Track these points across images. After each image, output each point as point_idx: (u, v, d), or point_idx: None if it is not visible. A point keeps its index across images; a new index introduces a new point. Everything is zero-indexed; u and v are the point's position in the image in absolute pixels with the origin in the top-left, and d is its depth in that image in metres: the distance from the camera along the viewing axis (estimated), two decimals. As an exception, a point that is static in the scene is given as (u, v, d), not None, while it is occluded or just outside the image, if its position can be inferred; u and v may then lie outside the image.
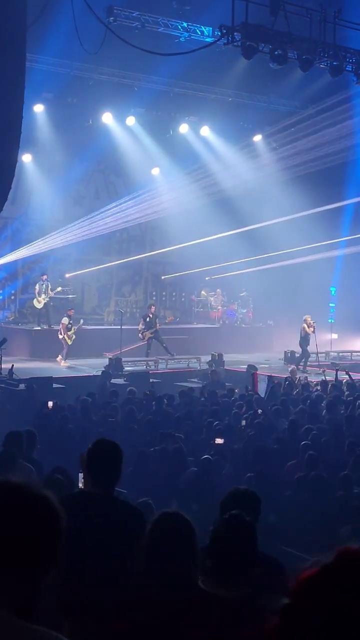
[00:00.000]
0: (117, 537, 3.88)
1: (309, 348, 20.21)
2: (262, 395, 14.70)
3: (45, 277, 21.51)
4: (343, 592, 0.82)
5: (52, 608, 3.97)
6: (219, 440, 9.48)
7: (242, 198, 23.66)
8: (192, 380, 16.89)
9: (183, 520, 3.31)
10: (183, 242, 23.58)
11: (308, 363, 20.33)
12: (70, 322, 19.63)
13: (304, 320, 20.39)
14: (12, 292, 23.33)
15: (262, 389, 15.43)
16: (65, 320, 19.70)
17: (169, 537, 3.23)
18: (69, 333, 19.49)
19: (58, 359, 19.37)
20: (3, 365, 15.92)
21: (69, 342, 19.50)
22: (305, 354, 20.33)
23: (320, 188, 22.70)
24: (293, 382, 16.09)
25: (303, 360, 20.31)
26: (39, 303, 21.19)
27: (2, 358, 16.15)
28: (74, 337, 19.49)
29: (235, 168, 23.07)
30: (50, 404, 11.93)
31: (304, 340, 20.24)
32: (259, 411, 11.86)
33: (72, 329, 19.46)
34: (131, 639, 3.21)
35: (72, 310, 20.12)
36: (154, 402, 12.79)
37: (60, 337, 19.56)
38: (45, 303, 21.14)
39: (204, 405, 13.01)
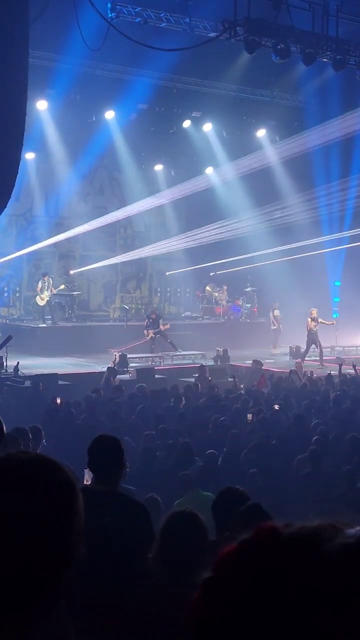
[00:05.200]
0: (121, 533, 3.87)
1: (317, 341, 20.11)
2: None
3: (46, 277, 21.50)
4: (256, 566, 0.88)
5: (60, 607, 4.00)
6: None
7: (242, 193, 23.67)
8: (197, 375, 16.85)
9: (194, 518, 3.30)
10: (188, 237, 23.68)
11: (306, 357, 20.19)
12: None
13: (310, 313, 20.29)
14: (17, 288, 23.39)
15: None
16: (277, 312, 22.70)
17: (179, 536, 3.22)
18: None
19: (272, 348, 22.17)
20: (8, 362, 15.94)
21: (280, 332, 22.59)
22: (309, 347, 20.20)
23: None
24: (298, 376, 16.08)
25: (319, 355, 20.21)
26: (42, 300, 21.28)
27: (8, 355, 16.17)
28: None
29: (240, 160, 23.05)
30: (58, 400, 11.97)
31: (310, 335, 20.13)
32: (276, 407, 11.84)
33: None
34: (136, 633, 3.23)
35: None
36: (172, 399, 12.81)
37: (274, 327, 22.72)
38: (48, 300, 21.17)
39: (208, 401, 13.00)
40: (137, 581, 3.51)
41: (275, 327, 22.89)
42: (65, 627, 2.99)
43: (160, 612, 3.10)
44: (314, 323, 20.07)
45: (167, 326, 20.54)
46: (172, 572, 3.16)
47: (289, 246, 23.41)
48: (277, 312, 22.88)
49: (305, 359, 20.01)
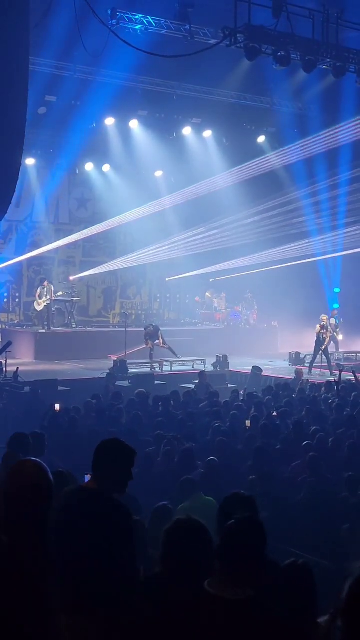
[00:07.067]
0: (101, 532, 3.84)
1: (322, 348, 19.85)
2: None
3: (46, 283, 21.49)
4: None
5: (55, 603, 3.98)
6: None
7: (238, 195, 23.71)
8: (197, 382, 16.84)
9: (199, 526, 3.27)
10: (188, 244, 23.71)
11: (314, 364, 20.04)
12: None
13: (320, 320, 20.16)
14: (17, 294, 23.40)
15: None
16: (333, 320, 22.02)
17: (184, 544, 3.19)
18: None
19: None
20: (8, 368, 15.93)
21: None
22: (316, 355, 20.03)
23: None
24: (297, 383, 16.06)
25: (326, 361, 19.92)
26: (39, 305, 21.25)
27: (7, 361, 16.15)
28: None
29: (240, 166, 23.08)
30: (57, 406, 11.92)
31: (317, 341, 19.95)
32: (274, 413, 11.82)
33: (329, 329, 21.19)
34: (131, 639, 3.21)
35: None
36: (160, 404, 12.77)
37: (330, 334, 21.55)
38: (46, 305, 21.11)
39: (207, 407, 12.96)
40: (140, 587, 3.49)
41: (330, 334, 22.51)
42: (59, 625, 2.99)
43: (155, 618, 3.08)
44: (322, 330, 19.85)
45: (163, 345, 20.35)
46: (175, 579, 3.13)
47: (288, 251, 23.42)
48: (332, 320, 22.46)
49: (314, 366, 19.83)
